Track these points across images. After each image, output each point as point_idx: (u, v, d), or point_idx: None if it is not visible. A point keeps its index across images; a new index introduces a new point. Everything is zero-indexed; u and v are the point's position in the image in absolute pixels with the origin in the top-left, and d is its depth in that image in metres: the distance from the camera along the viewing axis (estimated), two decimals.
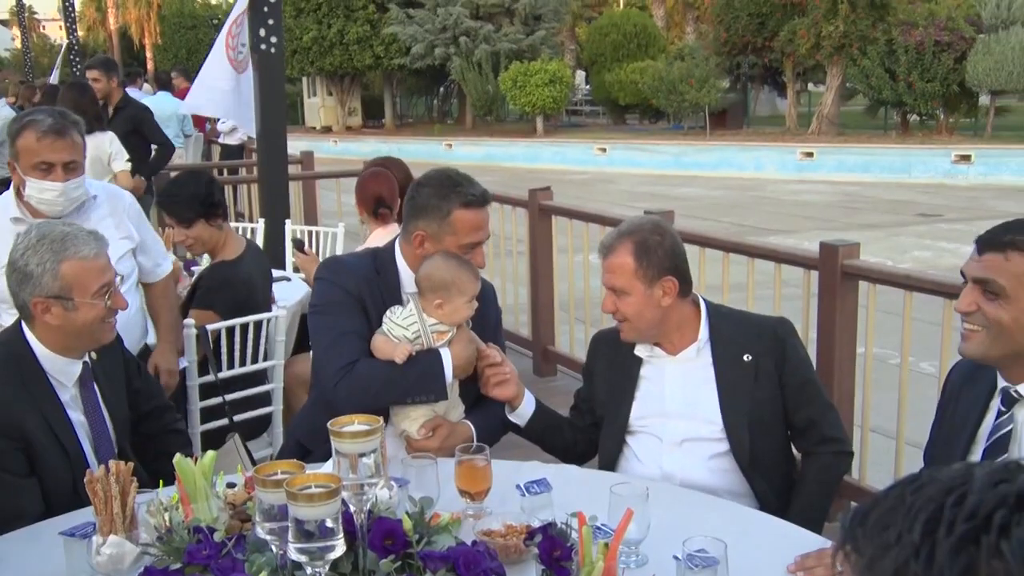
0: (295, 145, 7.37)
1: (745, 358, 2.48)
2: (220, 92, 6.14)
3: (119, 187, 3.35)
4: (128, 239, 3.24)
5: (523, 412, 2.65)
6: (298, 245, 4.88)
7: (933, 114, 19.57)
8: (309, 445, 2.61)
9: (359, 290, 2.59)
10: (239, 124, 7.54)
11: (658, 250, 2.46)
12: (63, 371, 2.39)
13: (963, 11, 19.22)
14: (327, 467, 1.79)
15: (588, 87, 28.90)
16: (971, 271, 1.95)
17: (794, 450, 2.65)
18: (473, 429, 2.59)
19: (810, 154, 18.16)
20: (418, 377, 2.49)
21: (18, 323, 2.41)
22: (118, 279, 2.49)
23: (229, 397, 3.58)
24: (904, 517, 0.72)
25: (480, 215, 2.62)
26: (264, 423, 3.87)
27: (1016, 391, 1.97)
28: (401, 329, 2.51)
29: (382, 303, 2.58)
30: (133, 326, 3.28)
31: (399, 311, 2.54)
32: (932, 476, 0.74)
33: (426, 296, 2.52)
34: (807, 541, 1.99)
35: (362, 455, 1.63)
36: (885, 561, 0.71)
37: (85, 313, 2.36)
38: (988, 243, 1.93)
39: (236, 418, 3.59)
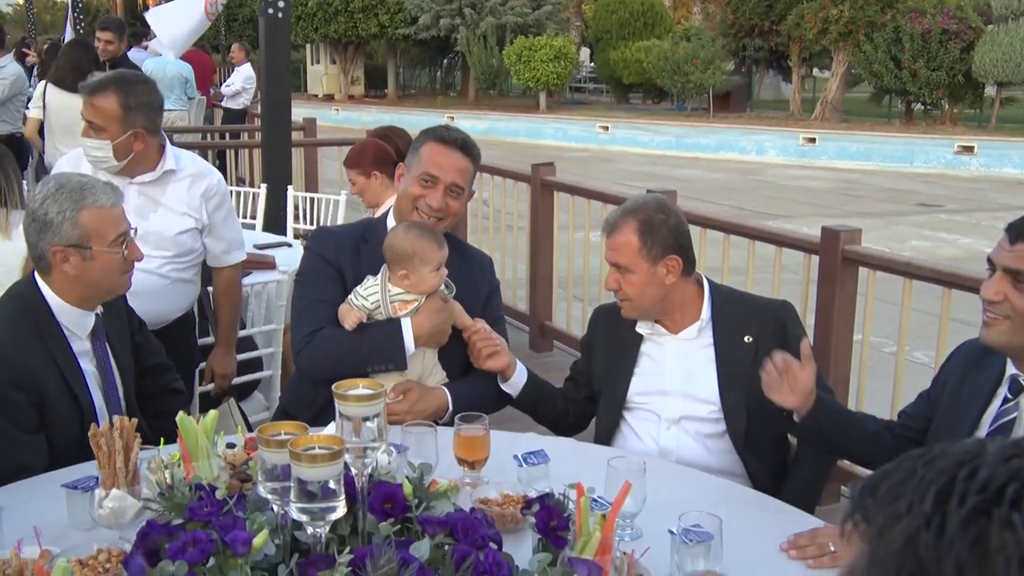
0: (297, 112, 7.35)
1: (746, 339, 2.49)
2: (185, 30, 6.16)
3: (211, 169, 3.37)
4: (191, 218, 3.25)
5: (515, 382, 2.67)
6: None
7: (937, 103, 19.49)
8: (292, 411, 2.64)
9: (339, 260, 2.62)
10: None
11: (662, 228, 2.47)
12: (78, 323, 2.41)
13: (972, 0, 19.12)
14: (330, 429, 1.81)
15: (592, 64, 28.77)
16: (1002, 260, 1.92)
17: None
18: (449, 395, 2.59)
19: (812, 140, 18.12)
20: (376, 346, 2.51)
21: (32, 275, 2.42)
22: (133, 231, 2.51)
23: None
24: (916, 488, 0.73)
25: (447, 152, 2.64)
26: (252, 384, 3.90)
27: None
28: (362, 299, 2.52)
29: (363, 272, 2.59)
30: (181, 296, 3.34)
31: (367, 281, 2.55)
32: (944, 450, 0.76)
33: (392, 268, 2.52)
34: (800, 521, 2.02)
35: (366, 419, 1.65)
36: (895, 530, 0.72)
37: (102, 263, 2.40)
38: (1022, 233, 1.89)
39: (234, 380, 3.61)
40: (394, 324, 2.52)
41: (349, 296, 2.55)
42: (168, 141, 3.28)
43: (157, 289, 3.17)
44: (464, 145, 2.69)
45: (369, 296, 2.52)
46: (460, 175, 2.66)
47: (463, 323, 2.61)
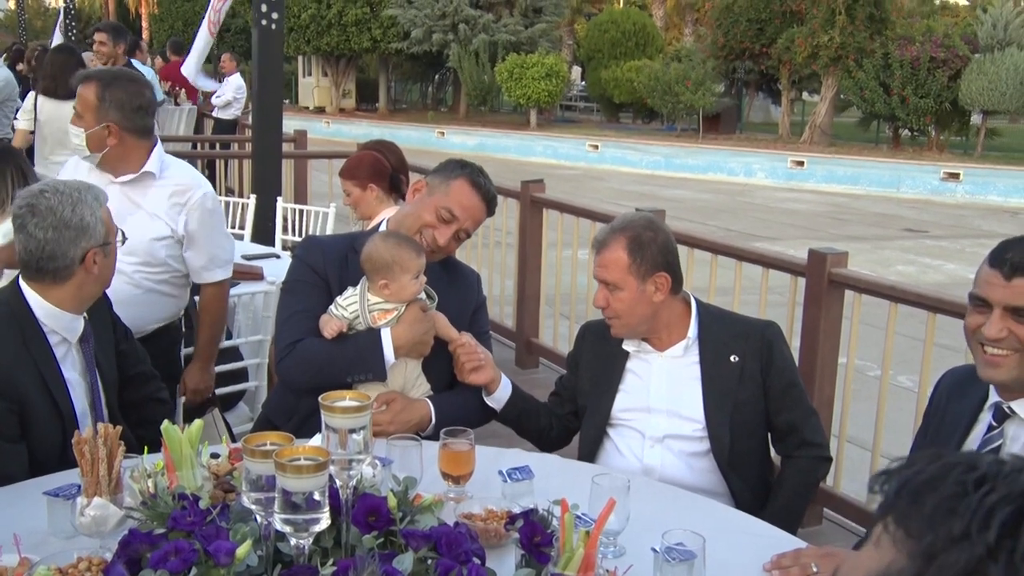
0: (287, 124, 7.37)
1: (732, 359, 2.51)
2: (195, 54, 6.21)
3: (199, 182, 3.32)
4: (167, 226, 3.21)
5: (500, 396, 2.66)
6: None
7: (925, 130, 19.70)
8: (275, 420, 2.63)
9: (326, 270, 2.61)
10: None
11: (651, 246, 2.48)
12: (68, 328, 2.40)
13: (960, 29, 19.37)
14: (316, 440, 1.81)
15: (583, 83, 28.92)
16: (1002, 298, 1.89)
17: (772, 453, 2.69)
18: (432, 407, 2.57)
19: (801, 163, 18.25)
20: (355, 356, 2.50)
21: (15, 283, 2.40)
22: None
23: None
24: (974, 512, 0.69)
25: (475, 199, 2.65)
26: (237, 395, 3.88)
27: (1009, 407, 1.99)
28: (342, 309, 2.52)
29: (350, 283, 2.58)
30: (155, 307, 3.29)
31: (347, 291, 2.55)
32: (997, 469, 0.72)
33: (372, 278, 2.51)
34: (783, 541, 2.02)
35: (352, 431, 1.64)
36: (953, 554, 0.68)
37: (114, 255, 2.50)
38: (1019, 268, 1.86)
39: (218, 391, 3.60)
40: (373, 334, 2.51)
41: (330, 306, 2.55)
42: (162, 148, 3.28)
43: (126, 295, 3.09)
44: (492, 200, 2.71)
45: (348, 306, 2.51)
46: (475, 225, 2.70)
47: (449, 336, 2.60)
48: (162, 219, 3.21)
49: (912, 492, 0.73)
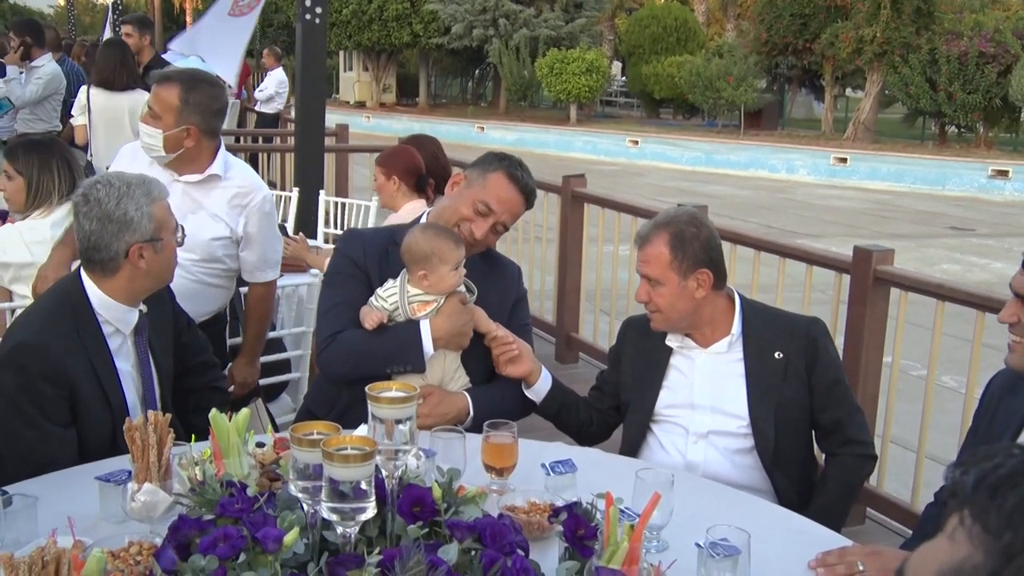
0: (329, 118, 7.40)
1: (776, 355, 2.49)
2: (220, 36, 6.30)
3: (259, 185, 3.36)
4: (227, 226, 3.26)
5: (539, 389, 2.66)
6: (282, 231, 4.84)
7: (972, 127, 19.36)
8: (316, 411, 2.65)
9: (366, 262, 2.63)
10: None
11: (694, 242, 2.47)
12: (123, 320, 2.44)
13: (1011, 24, 18.97)
14: (362, 430, 1.82)
15: (624, 78, 28.81)
16: (1018, 285, 2.01)
17: (816, 450, 2.66)
18: (470, 400, 2.58)
19: (844, 160, 18.04)
20: (394, 347, 2.51)
21: (77, 273, 2.45)
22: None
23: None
24: None
25: (512, 191, 2.65)
26: (280, 386, 3.92)
27: None
28: (382, 301, 2.54)
29: (390, 276, 2.60)
30: (207, 299, 3.34)
31: (388, 283, 2.57)
32: None
33: (411, 270, 2.53)
34: (828, 539, 2.00)
35: (398, 421, 1.65)
36: None
37: (168, 252, 2.49)
38: None
39: (262, 381, 3.64)
40: (412, 325, 2.52)
41: (371, 298, 2.57)
42: (224, 149, 3.32)
43: (183, 288, 3.11)
44: (530, 194, 2.70)
45: (388, 298, 2.53)
46: (512, 218, 2.69)
47: (484, 328, 2.61)
48: (223, 220, 3.26)
49: (991, 487, 0.71)
